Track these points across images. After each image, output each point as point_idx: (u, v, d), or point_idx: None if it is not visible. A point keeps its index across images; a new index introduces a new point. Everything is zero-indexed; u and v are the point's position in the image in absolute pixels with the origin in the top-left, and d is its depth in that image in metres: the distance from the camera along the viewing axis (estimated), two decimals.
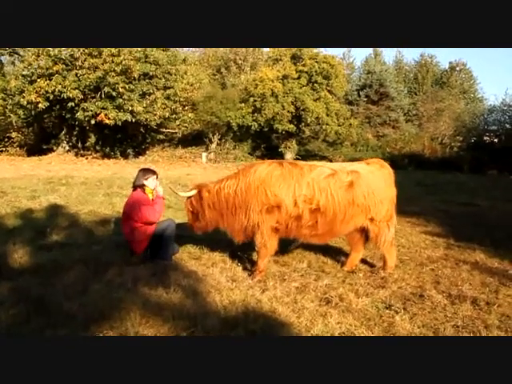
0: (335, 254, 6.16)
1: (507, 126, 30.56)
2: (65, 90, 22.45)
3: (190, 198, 5.57)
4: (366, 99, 37.04)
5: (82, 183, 13.75)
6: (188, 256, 5.95)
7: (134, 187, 5.83)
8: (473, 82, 45.90)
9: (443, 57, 76.88)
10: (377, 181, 5.47)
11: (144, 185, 5.79)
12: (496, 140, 30.95)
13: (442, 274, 5.54)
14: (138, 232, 5.60)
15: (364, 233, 5.69)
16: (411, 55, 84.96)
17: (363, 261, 6.03)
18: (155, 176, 5.93)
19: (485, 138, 31.64)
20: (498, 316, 4.20)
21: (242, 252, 6.07)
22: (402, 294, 4.80)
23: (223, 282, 4.89)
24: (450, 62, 45.47)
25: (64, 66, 22.99)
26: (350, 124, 30.11)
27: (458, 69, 45.09)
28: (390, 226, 5.60)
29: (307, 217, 5.17)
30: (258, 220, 5.18)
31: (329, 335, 3.66)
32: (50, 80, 22.64)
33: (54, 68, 22.58)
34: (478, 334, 3.75)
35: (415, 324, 3.97)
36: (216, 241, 6.81)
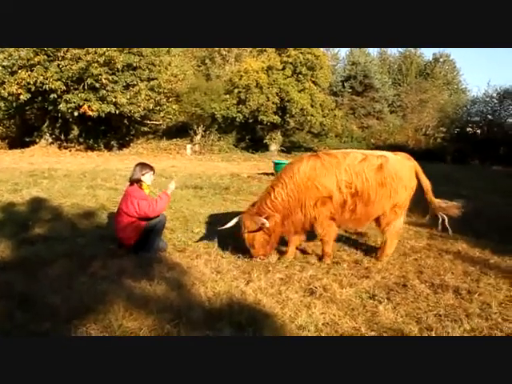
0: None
1: (489, 117, 30.95)
2: (47, 82, 22.13)
3: (262, 228, 5.40)
4: (350, 90, 37.16)
5: (65, 176, 13.62)
6: (172, 248, 5.93)
7: (131, 182, 5.76)
8: (456, 74, 46.25)
9: (427, 48, 77.18)
10: (402, 168, 5.73)
11: (141, 180, 5.73)
12: (479, 131, 31.34)
13: (425, 264, 5.60)
14: (132, 227, 5.56)
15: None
16: None
17: (347, 251, 6.07)
18: (152, 172, 5.89)
19: (468, 129, 32.03)
20: (479, 304, 4.27)
21: (227, 244, 6.08)
22: (386, 283, 4.84)
23: (208, 274, 4.88)
24: (434, 54, 45.81)
25: (46, 56, 22.62)
26: (335, 115, 30.14)
27: (441, 60, 45.37)
28: (402, 215, 5.86)
29: (349, 201, 5.47)
30: (314, 214, 5.45)
31: (313, 326, 3.67)
32: (32, 71, 22.30)
33: (36, 59, 22.21)
34: (459, 323, 3.80)
35: (398, 313, 4.01)
36: (200, 233, 6.82)
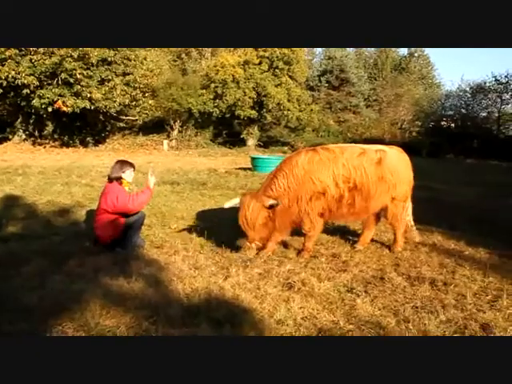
0: (297, 239, 6.19)
1: (463, 110, 31.47)
2: (19, 77, 21.73)
3: (269, 208, 5.35)
4: (326, 85, 37.25)
5: (40, 173, 13.42)
6: (150, 245, 5.89)
7: (110, 180, 5.63)
8: (430, 68, 46.85)
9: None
10: (399, 161, 5.85)
11: (121, 177, 5.64)
12: (453, 125, 31.83)
13: (402, 257, 5.66)
14: (112, 225, 5.47)
15: (377, 213, 6.05)
16: None
17: (325, 245, 6.10)
18: (132, 168, 5.79)
19: (442, 122, 32.49)
20: (455, 296, 4.33)
21: (204, 240, 6.07)
22: (363, 277, 4.87)
23: (185, 270, 4.85)
24: (409, 49, 46.22)
25: (17, 51, 22.15)
26: (312, 110, 30.25)
27: (416, 55, 45.87)
28: (405, 207, 5.98)
29: (347, 196, 5.49)
30: (308, 208, 5.46)
31: (291, 320, 3.68)
32: (3, 65, 21.84)
33: (7, 53, 21.73)
34: (435, 314, 3.85)
35: (376, 306, 4.04)
36: (178, 229, 6.78)
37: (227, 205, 5.77)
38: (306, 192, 5.42)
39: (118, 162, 5.82)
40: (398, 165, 5.78)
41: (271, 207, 5.37)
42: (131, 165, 5.81)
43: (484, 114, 31.33)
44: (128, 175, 5.71)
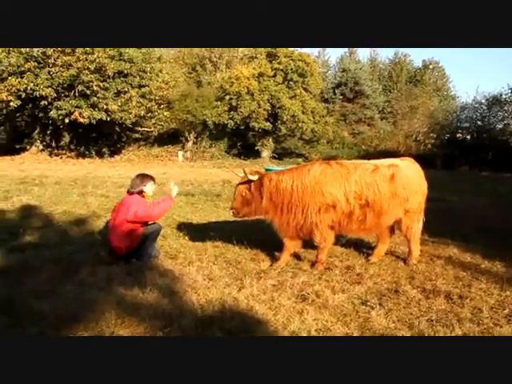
0: (311, 251, 6.18)
1: (478, 122, 31.19)
2: (37, 88, 22.12)
3: (248, 182, 5.62)
4: (341, 97, 37.30)
5: (56, 183, 13.57)
6: (164, 255, 5.90)
7: (131, 193, 5.66)
8: (445, 80, 46.63)
9: (417, 55, 77.94)
10: (412, 173, 5.83)
11: (143, 191, 5.69)
12: (468, 137, 31.55)
13: (417, 269, 5.60)
14: (130, 236, 5.49)
15: (392, 225, 6.03)
16: (385, 53, 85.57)
17: (339, 258, 6.07)
18: (153, 182, 5.84)
19: (457, 134, 32.22)
20: (471, 309, 4.28)
21: (219, 251, 6.08)
22: (378, 289, 4.84)
23: (200, 281, 4.86)
24: (424, 60, 46.15)
25: (36, 63, 22.62)
26: (326, 122, 30.31)
27: (431, 67, 45.73)
28: (419, 219, 5.95)
29: (357, 212, 5.48)
30: (316, 220, 5.45)
31: (305, 332, 3.67)
32: (22, 78, 22.28)
33: (26, 65, 22.20)
34: (451, 328, 3.81)
35: (390, 319, 4.01)
36: (192, 239, 6.80)
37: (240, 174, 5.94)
38: (315, 203, 5.42)
39: (139, 175, 5.85)
40: (411, 177, 5.76)
41: (249, 182, 5.62)
42: (152, 178, 5.85)
43: (500, 126, 31.04)
44: (149, 188, 5.75)
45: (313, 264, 5.68)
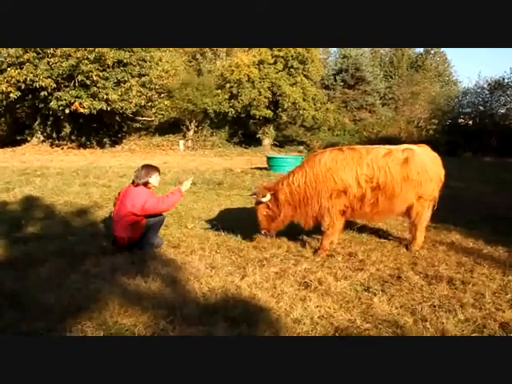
0: (313, 238, 6.18)
1: (481, 108, 30.99)
2: (37, 79, 22.07)
3: (265, 203, 5.70)
4: (342, 84, 37.14)
5: (58, 174, 13.58)
6: (167, 244, 5.91)
7: (136, 184, 5.64)
8: (447, 65, 46.41)
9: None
10: (428, 159, 5.84)
11: (148, 182, 5.68)
12: (470, 122, 31.39)
13: (419, 255, 5.61)
14: (134, 226, 5.49)
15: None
16: None
17: (341, 244, 6.07)
18: (158, 173, 5.82)
19: (459, 120, 32.05)
20: (473, 294, 4.28)
21: (221, 239, 6.09)
22: (380, 275, 4.84)
23: (202, 270, 4.87)
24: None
25: (35, 54, 22.52)
26: (327, 109, 30.21)
27: (432, 52, 45.49)
28: (430, 207, 5.97)
29: (369, 195, 5.53)
30: (328, 205, 5.55)
31: (308, 319, 3.68)
32: (21, 69, 22.22)
33: (25, 56, 22.11)
34: (453, 313, 3.82)
35: (393, 305, 4.02)
36: (194, 229, 6.81)
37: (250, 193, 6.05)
38: (327, 189, 5.49)
39: (144, 167, 5.81)
40: (426, 163, 5.76)
41: (259, 203, 5.71)
42: (157, 169, 5.84)
43: (502, 111, 30.84)
44: (154, 180, 5.74)
45: (315, 250, 5.69)
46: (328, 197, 5.50)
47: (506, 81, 29.88)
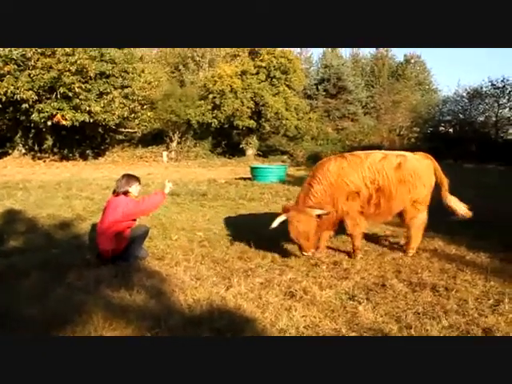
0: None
1: (460, 115, 31.55)
2: (18, 92, 21.82)
3: (319, 217, 5.68)
4: (324, 93, 37.42)
5: (40, 187, 13.43)
6: (151, 256, 5.88)
7: (117, 194, 5.66)
8: (427, 74, 46.99)
9: (398, 50, 78.32)
10: (421, 166, 6.13)
11: (128, 191, 5.68)
12: (451, 130, 31.90)
13: (403, 263, 5.66)
14: (118, 238, 5.48)
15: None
16: (367, 49, 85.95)
17: (326, 253, 6.10)
18: (138, 183, 5.85)
19: (440, 128, 32.55)
20: (456, 301, 4.33)
21: (206, 250, 6.08)
22: (365, 284, 4.87)
23: (187, 281, 4.85)
24: (405, 55, 46.47)
25: (16, 66, 22.31)
26: (310, 118, 30.38)
27: (412, 61, 46.05)
28: (424, 211, 6.18)
29: (374, 196, 5.85)
30: (346, 208, 5.83)
31: (294, 329, 3.68)
32: (2, 81, 21.96)
33: (5, 68, 21.88)
34: (437, 320, 3.85)
35: (378, 313, 4.04)
36: (179, 240, 6.78)
37: (275, 224, 5.74)
38: (342, 194, 5.77)
39: (125, 176, 5.82)
40: (418, 168, 6.05)
41: (319, 216, 5.66)
42: (137, 179, 5.86)
43: (481, 119, 31.41)
44: (134, 189, 5.75)
45: (349, 254, 6.05)
46: (345, 200, 5.79)
47: (484, 89, 30.45)
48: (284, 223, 5.70)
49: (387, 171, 5.85)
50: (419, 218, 6.13)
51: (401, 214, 6.21)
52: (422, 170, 6.10)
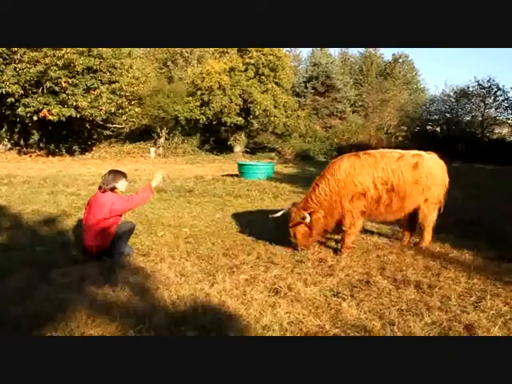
0: (284, 245, 6.21)
1: (447, 115, 31.82)
2: (3, 85, 21.58)
3: (304, 222, 5.88)
4: (313, 91, 37.44)
5: (25, 182, 13.28)
6: (136, 253, 5.86)
7: (103, 190, 5.61)
8: (415, 73, 47.24)
9: (386, 49, 78.71)
10: (435, 166, 6.31)
11: (115, 188, 5.65)
12: (438, 129, 32.16)
13: (388, 260, 5.70)
14: (104, 234, 5.45)
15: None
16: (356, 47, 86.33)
17: (311, 250, 6.12)
18: (125, 178, 5.81)
19: (428, 127, 32.80)
20: (439, 298, 4.38)
21: (191, 247, 6.07)
22: (349, 281, 4.90)
23: (172, 278, 4.84)
24: (394, 54, 46.58)
25: (1, 59, 22.05)
26: (298, 116, 30.39)
27: (400, 60, 46.24)
28: (436, 209, 6.38)
29: (384, 197, 5.95)
30: (349, 207, 5.93)
31: (277, 325, 3.69)
32: None
33: None
34: (420, 317, 3.89)
35: (362, 310, 4.07)
36: (164, 236, 6.77)
37: (278, 214, 6.23)
38: (348, 193, 5.87)
39: (111, 172, 5.79)
40: (433, 169, 6.22)
41: (297, 224, 5.91)
42: (124, 175, 5.82)
43: (468, 118, 31.74)
44: (121, 185, 5.72)
45: (336, 250, 6.12)
46: (350, 200, 5.88)
47: (471, 89, 30.75)
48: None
49: (403, 171, 5.95)
50: (432, 216, 6.33)
51: (414, 212, 6.33)
52: (437, 170, 6.28)
